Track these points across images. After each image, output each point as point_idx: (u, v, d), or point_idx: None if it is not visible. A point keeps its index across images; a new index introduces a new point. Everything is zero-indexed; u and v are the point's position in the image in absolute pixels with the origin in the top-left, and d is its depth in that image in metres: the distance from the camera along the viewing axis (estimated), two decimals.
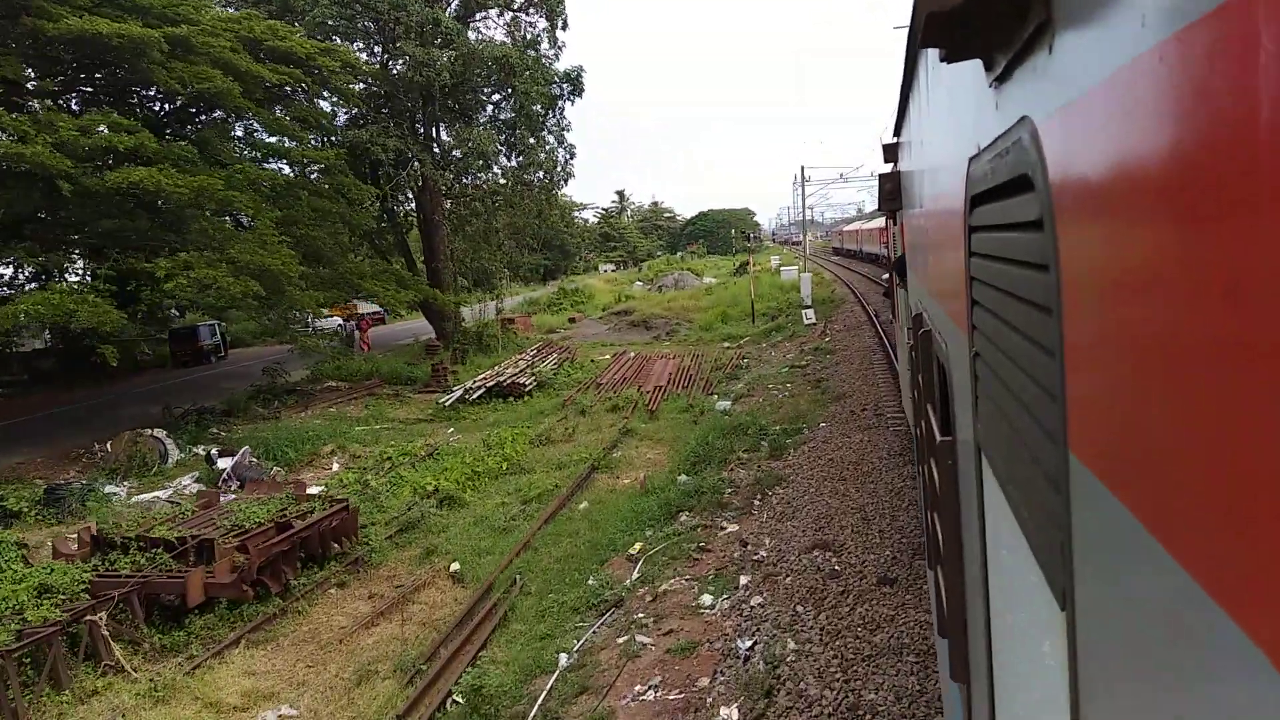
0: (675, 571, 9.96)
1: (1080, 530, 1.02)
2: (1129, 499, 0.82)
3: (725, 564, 9.83)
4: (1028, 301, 1.25)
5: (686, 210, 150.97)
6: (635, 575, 10.20)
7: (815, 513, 10.67)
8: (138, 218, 18.44)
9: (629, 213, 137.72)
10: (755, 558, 9.71)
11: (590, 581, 10.26)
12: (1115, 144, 0.83)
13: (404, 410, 22.54)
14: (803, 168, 53.27)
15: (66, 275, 25.29)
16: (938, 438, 2.74)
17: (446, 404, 21.53)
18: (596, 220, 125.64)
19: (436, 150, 30.33)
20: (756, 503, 11.72)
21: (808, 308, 33.85)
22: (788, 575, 8.98)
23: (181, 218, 18.31)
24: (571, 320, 45.27)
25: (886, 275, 22.39)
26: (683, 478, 13.81)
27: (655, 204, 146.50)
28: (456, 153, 31.24)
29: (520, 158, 31.48)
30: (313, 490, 13.83)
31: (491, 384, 22.21)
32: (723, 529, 11.05)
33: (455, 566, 11.45)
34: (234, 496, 13.76)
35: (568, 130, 33.23)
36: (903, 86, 5.18)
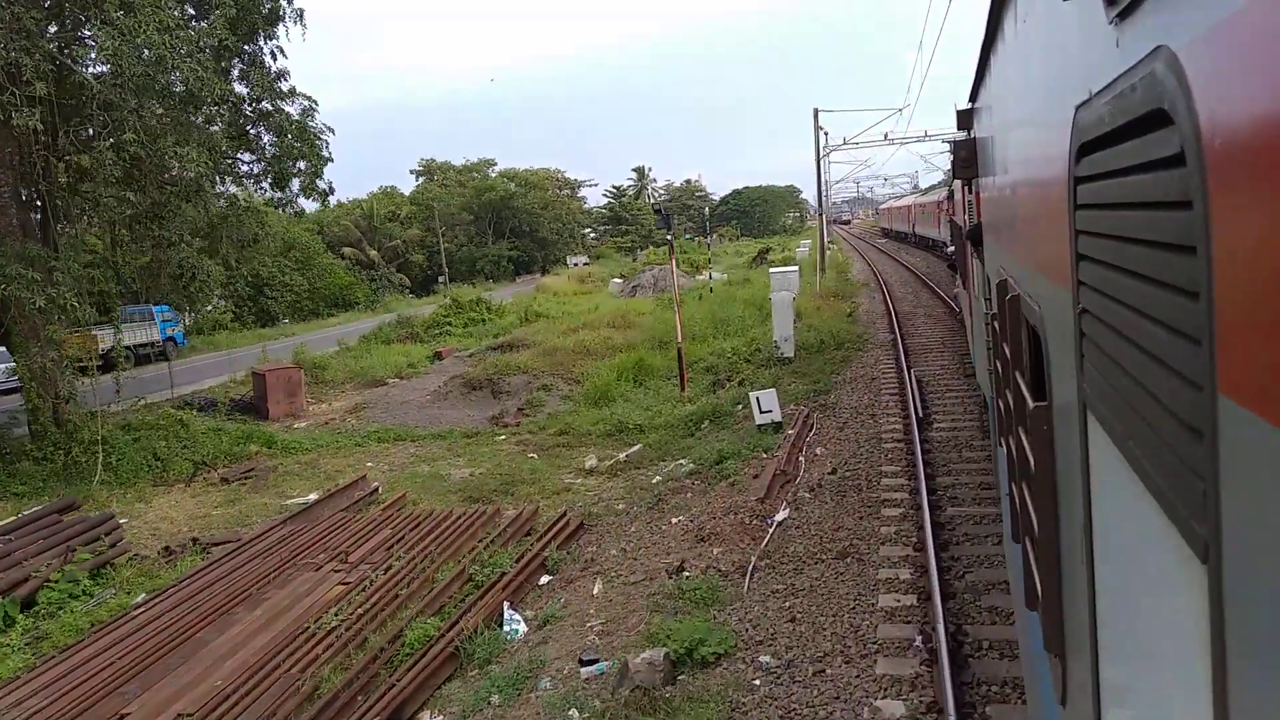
0: None
1: (1230, 474, 0.97)
2: None
3: None
4: (1162, 245, 1.18)
5: (727, 189, 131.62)
6: None
7: None
8: None
9: (650, 191, 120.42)
10: None
11: None
12: (1272, 65, 0.80)
13: None
14: (816, 111, 34.74)
15: None
16: (1030, 404, 2.62)
17: None
18: (607, 201, 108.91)
19: None
20: None
21: (782, 359, 16.75)
22: None
23: None
24: (437, 357, 29.09)
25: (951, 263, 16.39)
26: None
27: (688, 181, 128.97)
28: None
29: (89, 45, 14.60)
30: None
31: None
32: None
33: None
34: None
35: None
36: (983, 48, 5.01)
